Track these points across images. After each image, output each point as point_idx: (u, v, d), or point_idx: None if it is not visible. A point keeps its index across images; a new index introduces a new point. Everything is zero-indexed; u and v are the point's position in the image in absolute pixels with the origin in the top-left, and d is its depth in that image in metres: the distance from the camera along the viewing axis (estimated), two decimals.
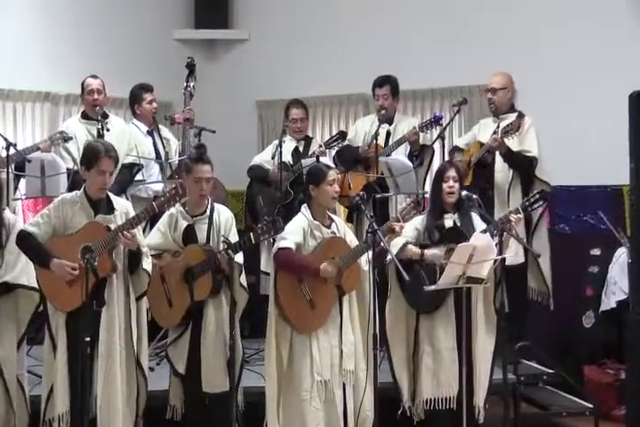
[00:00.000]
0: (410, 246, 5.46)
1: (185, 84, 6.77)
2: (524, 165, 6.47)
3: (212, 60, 8.77)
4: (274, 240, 5.38)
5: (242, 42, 8.78)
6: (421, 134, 6.73)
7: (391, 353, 5.56)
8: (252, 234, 5.14)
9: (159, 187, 6.66)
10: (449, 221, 5.54)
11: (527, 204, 5.55)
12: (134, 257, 5.08)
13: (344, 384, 5.27)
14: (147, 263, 5.13)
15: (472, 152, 6.68)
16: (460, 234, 5.40)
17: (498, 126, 6.59)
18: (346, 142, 7.06)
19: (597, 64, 7.27)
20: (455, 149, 6.88)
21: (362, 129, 7.09)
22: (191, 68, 6.79)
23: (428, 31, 7.92)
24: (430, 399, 5.44)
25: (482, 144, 6.60)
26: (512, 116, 6.55)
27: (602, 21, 7.32)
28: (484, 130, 6.74)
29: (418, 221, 5.53)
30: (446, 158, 6.55)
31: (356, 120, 7.76)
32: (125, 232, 4.91)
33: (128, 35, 8.19)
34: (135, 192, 6.76)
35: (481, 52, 7.59)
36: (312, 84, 8.20)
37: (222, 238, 5.21)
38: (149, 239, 5.38)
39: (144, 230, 5.67)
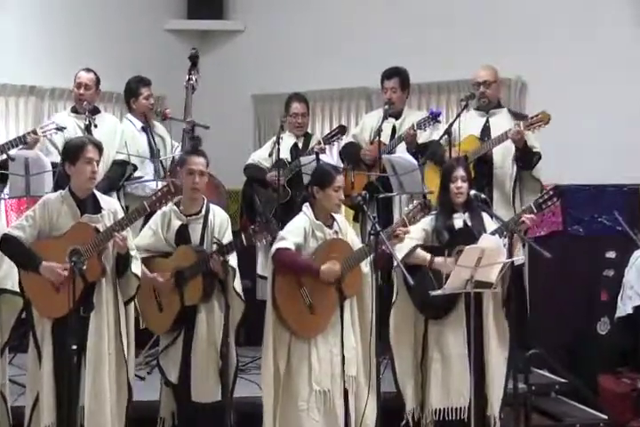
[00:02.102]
0: (419, 251, 5.45)
1: (187, 76, 6.76)
2: (532, 161, 6.49)
3: (206, 52, 8.73)
4: (271, 242, 5.37)
5: (237, 33, 8.78)
6: (428, 130, 6.72)
7: (395, 360, 5.53)
8: (243, 235, 5.13)
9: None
10: (459, 221, 5.53)
11: (540, 201, 5.52)
12: (122, 260, 5.07)
13: (346, 392, 5.26)
14: (136, 266, 5.11)
15: (464, 147, 6.62)
16: (471, 235, 5.38)
17: (487, 121, 6.61)
18: (350, 138, 7.06)
19: (610, 62, 7.28)
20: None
21: (369, 125, 7.05)
22: (194, 59, 6.78)
23: (434, 23, 7.91)
24: (440, 409, 5.42)
25: (478, 138, 6.58)
26: (503, 111, 6.65)
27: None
28: (471, 123, 6.65)
29: (426, 222, 5.51)
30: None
31: (359, 115, 7.77)
32: (117, 234, 4.91)
33: (117, 25, 8.17)
34: (132, 190, 6.76)
35: (487, 45, 7.59)
36: (311, 77, 8.19)
37: (214, 240, 5.21)
38: (139, 239, 5.38)
39: (140, 230, 5.66)
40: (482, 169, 6.53)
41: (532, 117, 6.31)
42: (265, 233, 5.10)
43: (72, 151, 5.07)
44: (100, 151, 5.12)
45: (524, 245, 6.02)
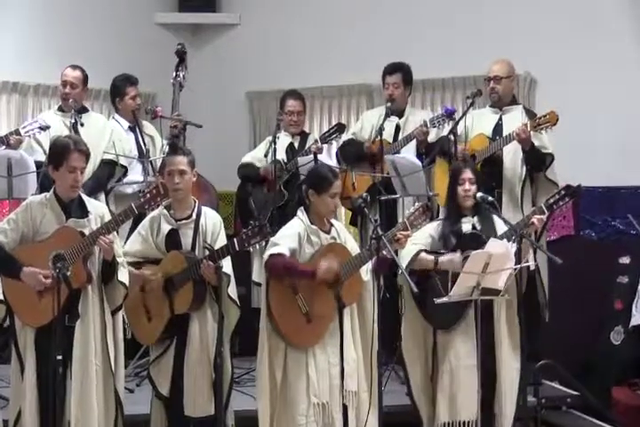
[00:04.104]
0: (423, 255, 5.43)
1: (174, 73, 6.76)
2: (542, 163, 6.48)
3: (198, 46, 8.75)
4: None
5: (231, 27, 8.76)
6: (434, 129, 6.71)
7: (408, 374, 5.54)
8: (235, 240, 5.12)
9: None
10: (467, 225, 5.52)
11: (552, 201, 5.49)
12: (108, 267, 5.05)
13: (345, 407, 5.24)
14: (122, 275, 5.10)
15: (473, 146, 6.61)
16: (480, 239, 5.36)
17: (500, 119, 6.61)
18: (349, 136, 7.05)
19: (622, 60, 7.28)
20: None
21: (369, 122, 7.06)
22: (182, 55, 6.79)
23: (439, 16, 7.90)
24: (448, 423, 5.42)
25: (488, 137, 6.57)
26: (517, 109, 6.63)
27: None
28: (482, 121, 6.66)
29: (432, 228, 5.50)
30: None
31: (360, 113, 7.75)
32: (102, 237, 4.90)
33: (104, 19, 8.14)
34: (119, 188, 6.75)
35: (494, 40, 7.58)
36: (309, 73, 8.18)
37: (204, 245, 5.20)
38: (129, 245, 5.37)
39: (127, 234, 5.65)
40: (491, 170, 6.52)
41: (539, 118, 6.30)
42: (259, 237, 5.08)
43: (56, 155, 5.05)
44: (87, 158, 5.10)
45: (534, 251, 6.01)
